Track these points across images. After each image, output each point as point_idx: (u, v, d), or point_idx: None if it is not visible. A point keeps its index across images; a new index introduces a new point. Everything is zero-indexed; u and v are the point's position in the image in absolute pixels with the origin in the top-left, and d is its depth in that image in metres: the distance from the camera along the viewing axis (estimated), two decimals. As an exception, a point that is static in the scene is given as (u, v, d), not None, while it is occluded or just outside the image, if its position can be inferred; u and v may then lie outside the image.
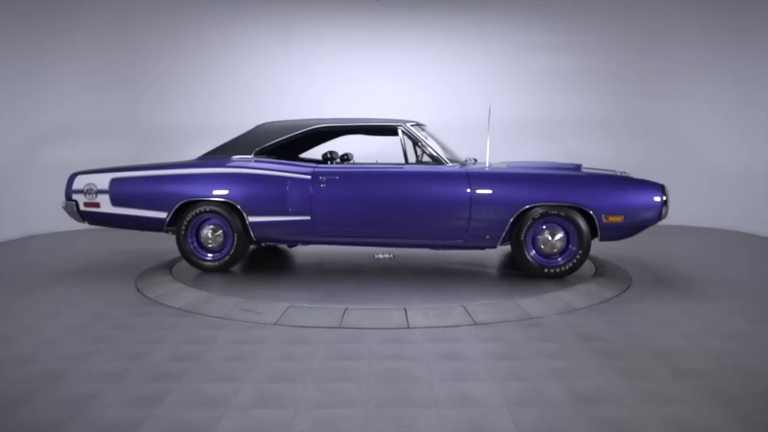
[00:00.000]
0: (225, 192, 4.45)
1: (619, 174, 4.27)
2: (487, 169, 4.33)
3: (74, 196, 4.75)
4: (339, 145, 5.56)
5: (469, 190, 4.15)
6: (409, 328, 3.27)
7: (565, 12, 7.81)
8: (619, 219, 4.03)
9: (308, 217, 4.34)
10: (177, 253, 5.33)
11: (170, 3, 7.71)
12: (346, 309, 3.51)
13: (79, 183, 4.75)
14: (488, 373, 2.60)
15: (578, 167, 4.42)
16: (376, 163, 4.79)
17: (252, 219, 4.42)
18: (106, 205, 4.67)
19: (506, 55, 7.93)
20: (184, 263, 4.96)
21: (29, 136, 7.11)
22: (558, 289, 3.96)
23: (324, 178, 4.33)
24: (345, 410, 2.25)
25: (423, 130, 4.79)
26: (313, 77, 7.81)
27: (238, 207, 4.43)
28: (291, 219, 4.36)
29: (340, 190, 4.32)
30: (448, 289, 4.02)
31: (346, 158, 5.27)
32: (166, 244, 6.21)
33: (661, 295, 4.04)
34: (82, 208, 4.74)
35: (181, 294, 3.98)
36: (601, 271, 4.56)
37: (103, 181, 4.68)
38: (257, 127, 4.86)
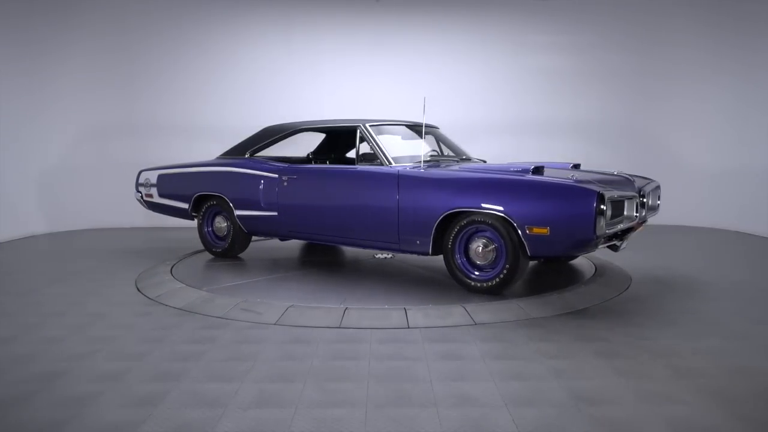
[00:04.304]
0: (221, 188, 5.08)
1: (569, 177, 3.59)
2: (420, 171, 4.03)
3: (139, 189, 5.76)
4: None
5: (396, 193, 4.00)
6: (409, 328, 3.27)
7: (565, 12, 7.82)
8: (544, 231, 3.43)
9: (276, 213, 4.72)
10: (177, 254, 5.47)
11: (171, 2, 7.71)
12: (346, 309, 3.51)
13: (142, 178, 5.75)
14: (488, 373, 2.60)
15: (530, 169, 3.72)
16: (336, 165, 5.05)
17: (238, 212, 4.96)
18: (156, 197, 5.62)
19: (506, 55, 7.93)
20: (184, 263, 5.04)
21: (28, 136, 7.11)
22: (558, 288, 3.96)
23: (285, 177, 4.65)
24: (345, 410, 2.25)
25: (425, 132, 4.86)
26: (313, 77, 7.81)
27: (229, 202, 5.01)
28: (264, 214, 4.80)
29: (296, 189, 4.61)
30: (447, 289, 4.01)
31: (363, 158, 5.28)
32: (166, 244, 6.25)
33: (661, 295, 4.04)
34: (144, 198, 5.73)
35: (181, 294, 3.98)
36: (601, 271, 4.56)
37: (154, 176, 5.63)
38: (263, 129, 5.29)
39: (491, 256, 3.76)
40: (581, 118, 7.89)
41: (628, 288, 4.19)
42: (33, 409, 2.28)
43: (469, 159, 4.85)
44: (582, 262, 4.93)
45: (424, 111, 4.22)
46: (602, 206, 3.29)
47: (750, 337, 3.13)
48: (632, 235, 4.08)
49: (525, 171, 3.72)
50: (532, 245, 3.52)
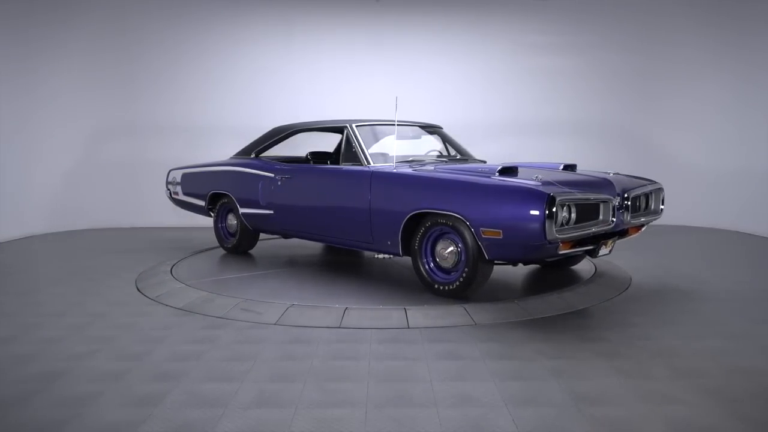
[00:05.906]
0: (228, 186, 5.30)
1: (534, 178, 3.41)
2: (391, 171, 3.99)
3: (168, 187, 6.06)
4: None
5: (369, 193, 3.98)
6: (409, 328, 3.27)
7: (565, 12, 7.82)
8: (497, 234, 3.29)
9: (272, 212, 4.87)
10: (177, 254, 5.48)
11: (171, 2, 7.71)
12: (346, 309, 3.51)
13: (170, 176, 6.03)
14: (488, 373, 2.60)
15: (496, 170, 3.60)
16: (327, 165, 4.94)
17: (243, 210, 5.14)
18: (180, 194, 5.90)
19: (506, 55, 7.93)
20: (184, 263, 5.05)
21: (28, 136, 7.11)
22: (558, 288, 3.96)
23: (280, 177, 4.78)
24: (345, 410, 2.25)
25: (426, 133, 4.88)
26: (313, 77, 7.81)
27: (234, 200, 5.20)
28: (263, 212, 4.94)
29: (288, 188, 4.73)
30: (448, 289, 4.01)
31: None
32: (166, 244, 6.24)
33: (661, 295, 4.04)
34: (172, 195, 6.03)
35: (181, 294, 3.98)
36: (601, 271, 4.56)
37: (179, 175, 5.92)
38: (271, 130, 5.42)
39: (454, 258, 3.67)
40: (581, 118, 7.89)
41: (628, 288, 4.19)
42: (33, 409, 2.28)
43: (467, 159, 4.82)
44: (582, 262, 4.92)
45: (396, 109, 4.24)
46: (553, 209, 3.09)
47: (750, 337, 3.13)
48: (628, 240, 4.02)
49: (491, 172, 3.60)
50: (488, 248, 3.40)
